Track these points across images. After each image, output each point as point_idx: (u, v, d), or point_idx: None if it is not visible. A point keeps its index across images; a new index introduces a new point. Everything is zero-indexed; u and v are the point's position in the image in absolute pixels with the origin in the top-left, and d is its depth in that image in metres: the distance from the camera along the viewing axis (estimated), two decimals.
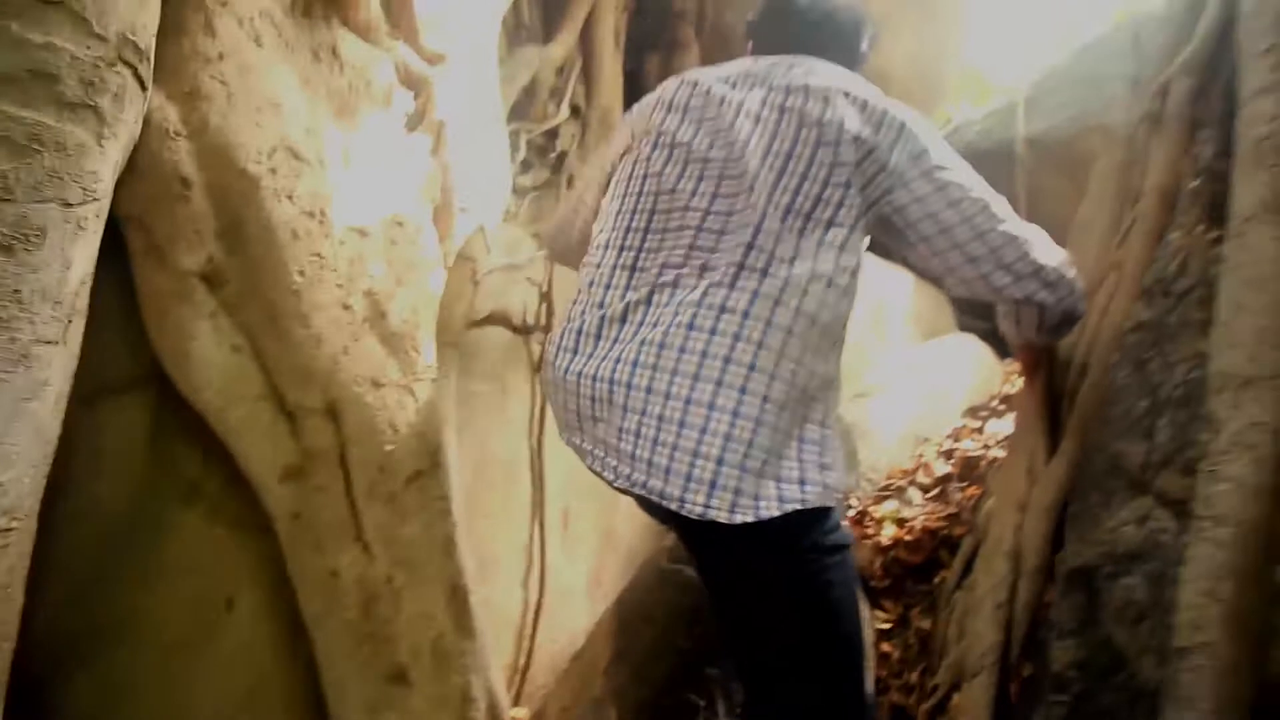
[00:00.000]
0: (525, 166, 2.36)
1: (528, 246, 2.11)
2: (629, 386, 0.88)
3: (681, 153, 0.97)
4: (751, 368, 0.85)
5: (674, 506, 0.85)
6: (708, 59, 3.24)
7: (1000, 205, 1.06)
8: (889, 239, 1.04)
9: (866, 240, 1.01)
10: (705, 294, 0.88)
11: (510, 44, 2.38)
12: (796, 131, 0.92)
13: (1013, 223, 1.05)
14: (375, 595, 1.13)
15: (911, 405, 2.44)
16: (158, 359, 0.98)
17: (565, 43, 2.55)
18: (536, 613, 2.01)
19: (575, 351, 0.95)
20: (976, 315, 3.90)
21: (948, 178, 1.01)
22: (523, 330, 2.04)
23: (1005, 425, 2.14)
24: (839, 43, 1.12)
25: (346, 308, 1.08)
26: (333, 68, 1.16)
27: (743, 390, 0.84)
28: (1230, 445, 0.81)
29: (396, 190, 1.23)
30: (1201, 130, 1.28)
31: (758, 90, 0.99)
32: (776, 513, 0.82)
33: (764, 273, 0.88)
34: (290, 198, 1.01)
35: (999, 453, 1.95)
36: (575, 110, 2.66)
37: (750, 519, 0.82)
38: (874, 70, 3.52)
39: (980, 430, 2.22)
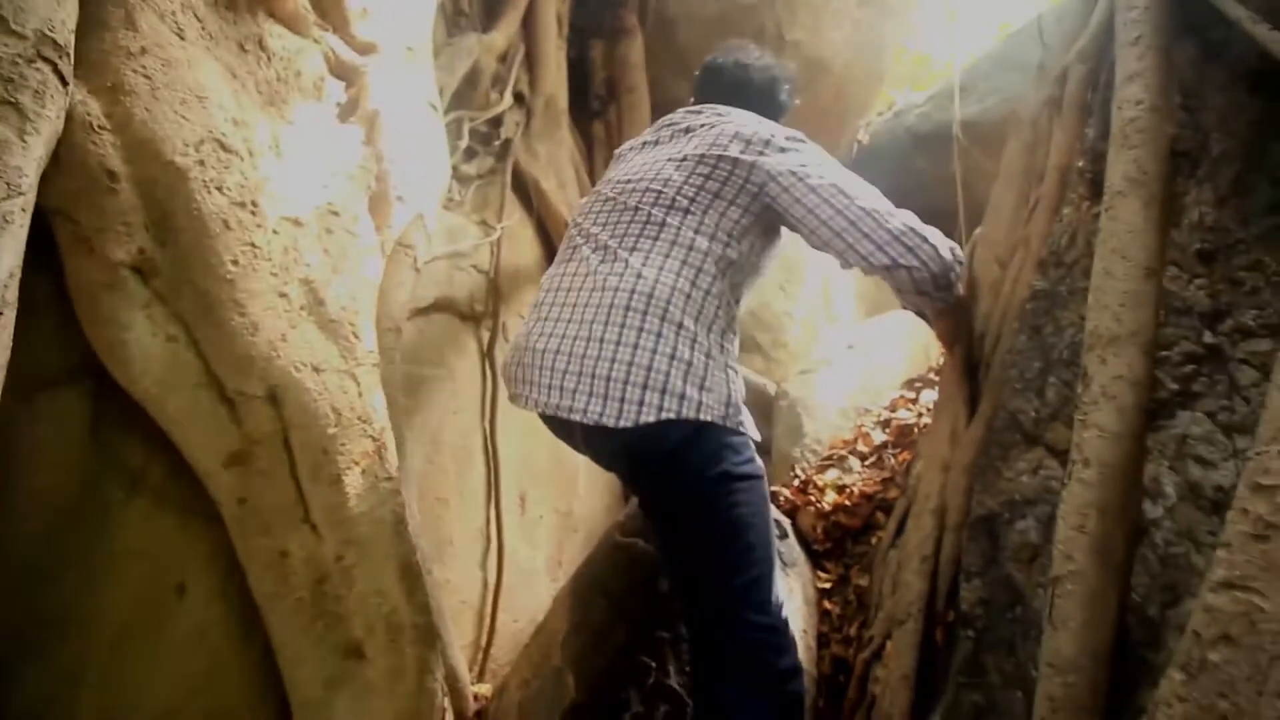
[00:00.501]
0: (469, 155, 2.38)
1: (473, 234, 2.13)
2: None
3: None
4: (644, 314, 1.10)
5: (577, 417, 1.08)
6: (651, 46, 3.28)
7: (860, 189, 1.23)
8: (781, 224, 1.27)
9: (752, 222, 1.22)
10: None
11: (449, 31, 2.38)
12: (690, 138, 1.24)
13: (872, 201, 1.21)
14: (326, 574, 1.16)
15: (853, 379, 2.55)
16: (93, 350, 0.99)
17: (507, 30, 2.56)
18: (496, 593, 2.06)
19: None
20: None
21: (809, 172, 1.19)
22: (470, 317, 2.07)
23: (935, 395, 2.27)
24: (756, 95, 1.43)
25: (283, 295, 1.10)
26: (260, 59, 1.17)
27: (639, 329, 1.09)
28: (1097, 396, 0.91)
29: (330, 180, 1.25)
30: (1092, 114, 1.39)
31: (666, 130, 1.32)
32: (653, 419, 1.03)
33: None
34: (220, 189, 1.03)
35: (930, 420, 2.07)
36: (519, 98, 2.67)
37: (629, 424, 1.03)
38: (813, 58, 3.59)
39: (915, 400, 2.35)
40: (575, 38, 3.05)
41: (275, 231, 1.12)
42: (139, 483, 1.12)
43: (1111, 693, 0.81)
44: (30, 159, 0.82)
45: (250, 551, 1.13)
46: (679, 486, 1.11)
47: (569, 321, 1.13)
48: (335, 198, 1.25)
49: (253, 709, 1.23)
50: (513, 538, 2.19)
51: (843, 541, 1.93)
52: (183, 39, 1.02)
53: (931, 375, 2.57)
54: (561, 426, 1.23)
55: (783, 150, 1.21)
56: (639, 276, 1.11)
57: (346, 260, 1.24)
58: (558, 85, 2.86)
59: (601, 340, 1.08)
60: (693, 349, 1.09)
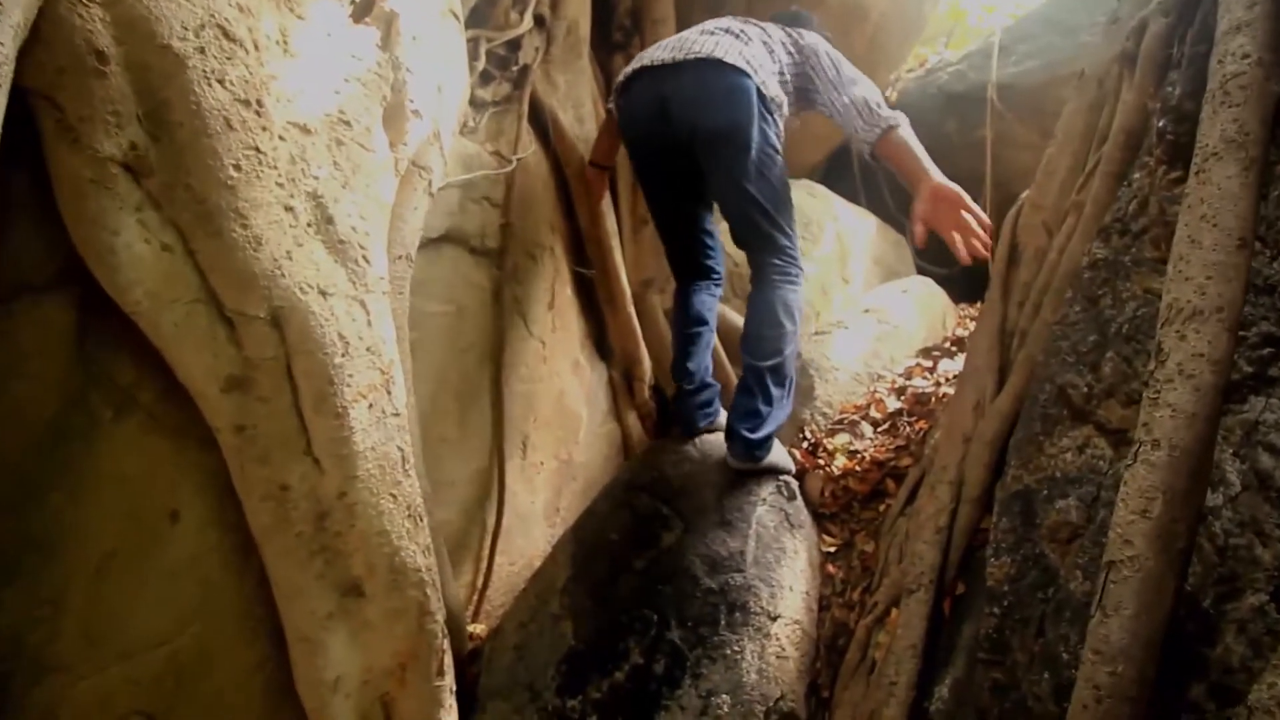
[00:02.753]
0: (485, 79, 2.22)
1: (486, 163, 2.01)
2: None
3: None
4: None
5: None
6: None
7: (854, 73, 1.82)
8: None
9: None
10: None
11: None
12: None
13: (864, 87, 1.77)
14: (327, 510, 1.10)
15: (867, 344, 2.48)
16: (79, 255, 0.90)
17: None
18: (495, 535, 2.03)
19: None
20: (933, 260, 3.95)
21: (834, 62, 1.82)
22: (480, 252, 1.97)
23: (956, 364, 2.20)
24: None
25: (289, 209, 1.00)
26: None
27: None
28: (1173, 374, 0.84)
29: (342, 85, 1.13)
30: (1172, 71, 1.28)
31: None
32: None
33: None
34: (223, 82, 0.91)
35: (949, 390, 2.01)
36: (539, 21, 2.49)
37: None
38: (852, 2, 3.39)
39: (932, 369, 2.29)
40: None
41: (282, 137, 1.01)
42: (130, 402, 1.04)
43: (1157, 684, 0.77)
44: (4, 25, 0.71)
45: (248, 482, 1.06)
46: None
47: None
48: (347, 105, 1.13)
49: (247, 641, 1.18)
50: (513, 481, 2.14)
51: (850, 506, 1.90)
52: None
53: (949, 346, 2.50)
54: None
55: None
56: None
57: (358, 176, 1.13)
58: (581, 10, 2.67)
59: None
60: None
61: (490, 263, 1.96)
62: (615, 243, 2.70)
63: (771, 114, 1.72)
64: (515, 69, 2.36)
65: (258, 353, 0.99)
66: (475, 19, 2.20)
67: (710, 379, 2.00)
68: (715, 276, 2.12)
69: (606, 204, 2.61)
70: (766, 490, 1.78)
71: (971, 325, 2.81)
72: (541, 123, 2.46)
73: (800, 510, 1.81)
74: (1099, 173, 1.45)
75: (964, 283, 3.67)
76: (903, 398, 2.12)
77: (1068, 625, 0.92)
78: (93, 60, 0.82)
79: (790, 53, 1.85)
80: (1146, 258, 1.10)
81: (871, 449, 1.98)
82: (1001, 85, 3.71)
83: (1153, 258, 1.09)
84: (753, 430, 1.77)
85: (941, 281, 3.57)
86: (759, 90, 1.67)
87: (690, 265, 2.08)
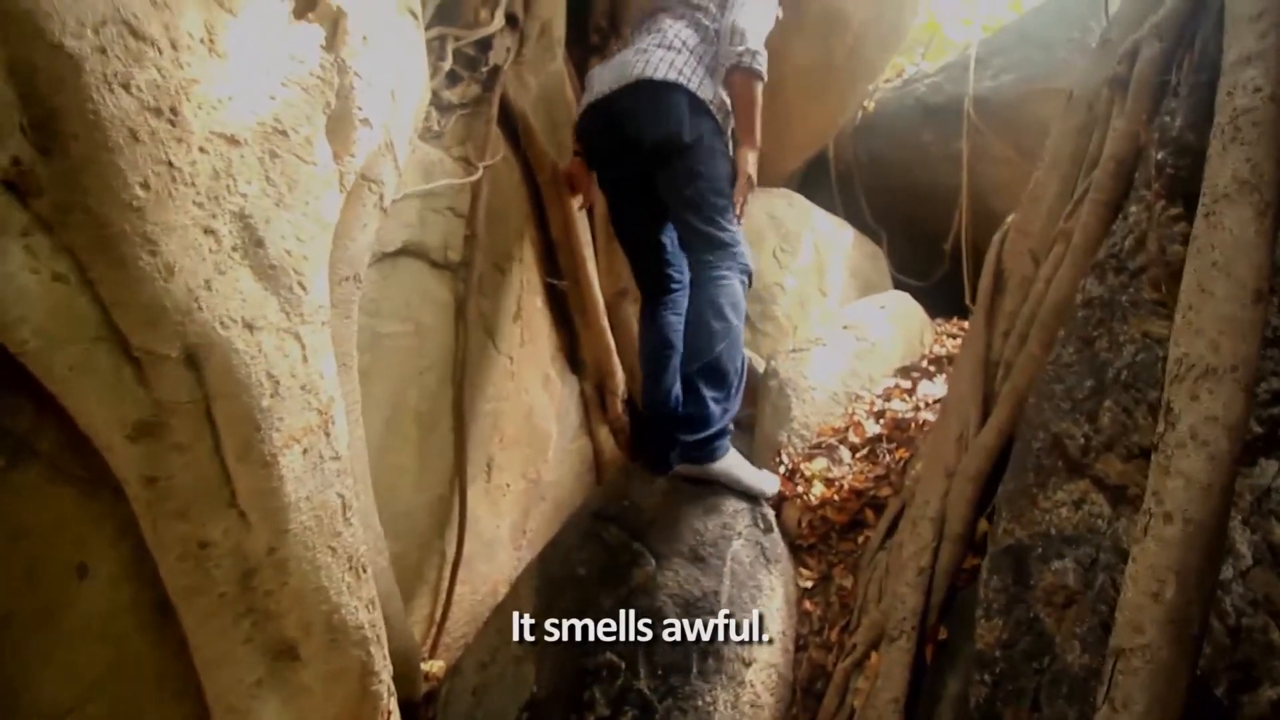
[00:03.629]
0: (452, 79, 2.10)
1: (451, 171, 1.88)
2: None
3: None
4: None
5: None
6: None
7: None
8: None
9: None
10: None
11: None
12: None
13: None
14: (255, 567, 0.98)
15: (845, 362, 2.41)
16: None
17: None
18: (455, 565, 1.91)
19: None
20: (909, 273, 3.92)
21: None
22: (442, 266, 1.84)
23: (936, 387, 2.15)
24: None
25: (209, 232, 0.88)
26: None
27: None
28: (1185, 439, 0.77)
29: (279, 90, 1.00)
30: (1169, 100, 1.22)
31: None
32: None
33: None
34: (127, 87, 0.79)
35: (929, 415, 1.95)
36: (511, 20, 2.37)
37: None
38: (832, 9, 3.31)
39: (911, 391, 2.22)
40: None
41: (203, 150, 0.89)
42: (26, 452, 0.91)
43: None
44: None
45: (163, 539, 0.93)
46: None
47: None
48: (284, 113, 1.01)
49: (165, 709, 1.06)
50: (476, 506, 2.02)
51: (828, 537, 1.83)
52: None
53: (927, 365, 2.45)
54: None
55: None
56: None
57: (295, 192, 1.00)
58: (555, 10, 2.55)
59: None
60: None
61: (453, 276, 1.84)
62: (588, 252, 2.59)
63: (705, 113, 1.80)
64: (485, 70, 2.23)
65: (171, 395, 0.87)
66: (442, 16, 2.07)
67: (685, 393, 1.91)
68: (676, 286, 2.04)
69: (580, 212, 2.51)
70: (743, 523, 1.70)
71: (949, 342, 2.77)
72: (512, 126, 2.35)
73: (777, 543, 1.73)
74: (1089, 201, 1.39)
75: (939, 295, 3.64)
76: (881, 422, 2.05)
77: (1065, 702, 0.85)
78: None
79: (725, 18, 1.89)
80: (1145, 299, 1.04)
81: (850, 476, 1.91)
82: (978, 98, 3.68)
83: (1152, 299, 1.03)
84: (691, 432, 1.73)
85: (917, 294, 3.53)
86: (691, 96, 1.78)
87: (653, 278, 2.03)
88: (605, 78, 1.88)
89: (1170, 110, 1.17)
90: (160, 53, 0.84)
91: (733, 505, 1.73)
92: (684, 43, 1.91)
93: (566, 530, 1.83)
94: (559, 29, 2.59)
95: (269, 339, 0.94)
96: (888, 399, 2.19)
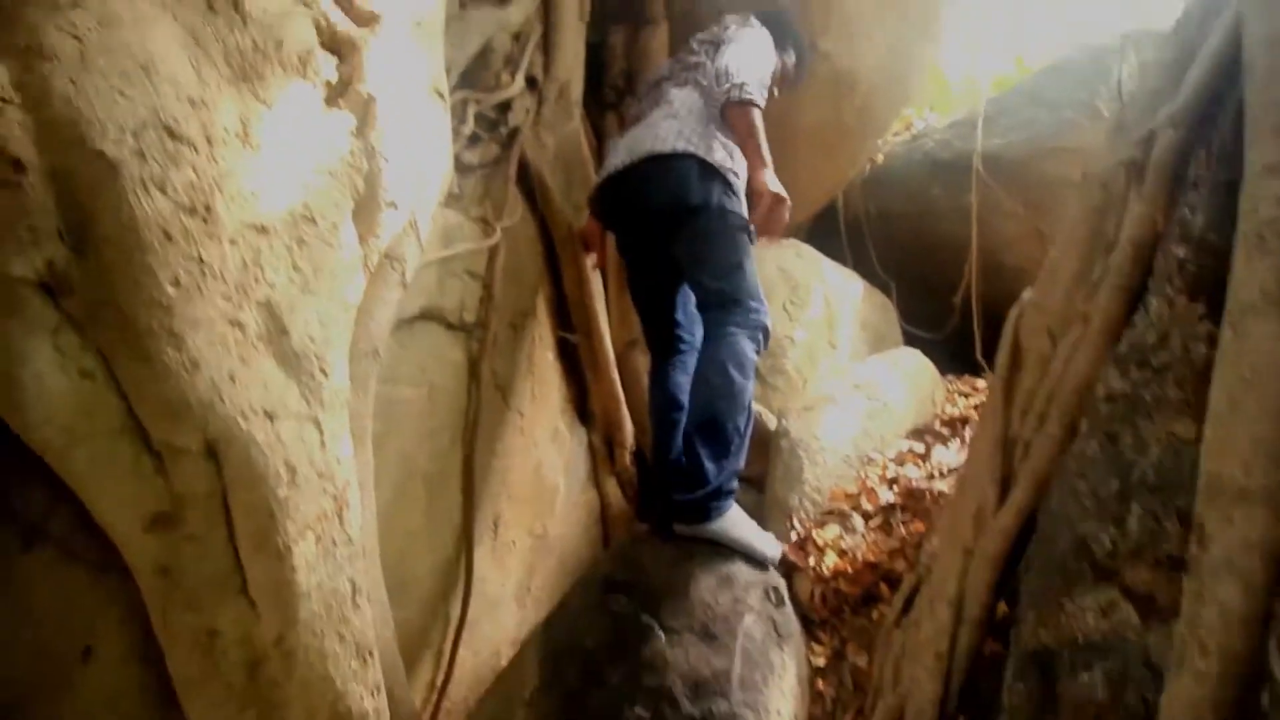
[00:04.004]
0: (472, 141, 2.14)
1: (469, 232, 1.91)
2: None
3: None
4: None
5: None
6: (675, 38, 3.04)
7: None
8: None
9: None
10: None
11: (462, 2, 2.13)
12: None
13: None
14: (262, 657, 0.96)
15: (857, 423, 2.39)
16: None
17: (525, 7, 2.31)
18: (459, 630, 1.87)
19: None
20: (920, 325, 3.92)
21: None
22: (458, 327, 1.85)
23: (950, 454, 2.12)
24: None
25: (235, 324, 0.88)
26: (233, 23, 0.93)
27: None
28: (1219, 566, 0.75)
29: (309, 178, 1.02)
30: (1188, 192, 1.22)
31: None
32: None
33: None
34: (164, 189, 0.80)
35: (944, 486, 1.92)
36: (531, 82, 2.43)
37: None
38: (843, 70, 3.37)
39: (924, 456, 2.20)
40: (596, 22, 2.80)
41: (233, 242, 0.90)
42: (38, 536, 0.90)
43: None
44: None
45: (172, 629, 0.92)
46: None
47: None
48: (314, 200, 1.02)
49: None
50: (483, 564, 2.00)
51: (840, 611, 1.78)
52: None
53: (939, 426, 2.43)
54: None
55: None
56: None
57: (320, 279, 1.01)
58: (574, 71, 2.62)
59: None
60: None
61: (468, 337, 1.84)
62: (601, 305, 2.61)
63: (715, 176, 1.84)
64: (504, 130, 2.28)
65: (188, 488, 0.86)
66: (465, 80, 2.12)
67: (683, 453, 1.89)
68: (685, 347, 2.04)
69: (594, 269, 2.53)
70: (755, 596, 1.66)
71: (961, 401, 2.75)
72: (529, 184, 2.38)
73: (789, 618, 1.69)
74: (1107, 285, 1.38)
75: (949, 349, 3.63)
76: (895, 489, 2.02)
77: None
78: (5, 170, 0.71)
79: (714, 65, 1.99)
80: (1170, 397, 1.02)
81: (863, 547, 1.87)
82: (987, 155, 3.72)
83: (1177, 398, 1.01)
84: (687, 490, 1.71)
85: (927, 347, 3.52)
86: (700, 162, 1.84)
87: (662, 339, 2.05)
88: (620, 152, 1.95)
89: (1190, 205, 1.17)
90: (196, 151, 0.85)
91: (745, 576, 1.69)
92: (689, 109, 1.96)
93: (573, 595, 1.80)
94: (577, 90, 2.65)
95: (288, 427, 0.94)
96: (901, 463, 2.17)
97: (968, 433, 2.23)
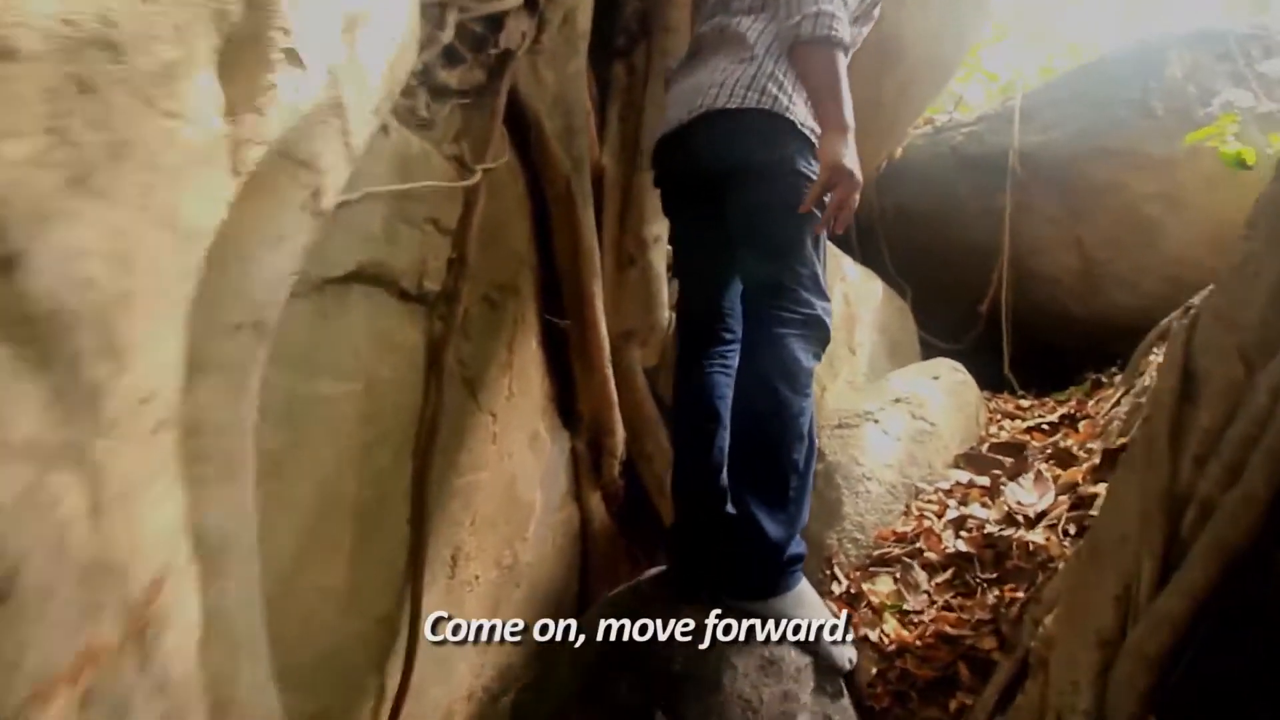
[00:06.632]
0: (450, 59, 1.60)
1: (439, 171, 1.37)
2: None
3: None
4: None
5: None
6: None
7: None
8: None
9: None
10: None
11: None
12: None
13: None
14: None
15: (902, 446, 1.94)
16: None
17: None
18: (396, 708, 1.36)
19: None
20: (937, 334, 3.52)
21: None
22: (415, 297, 1.32)
23: (1026, 494, 1.68)
24: None
25: None
26: None
27: None
28: None
29: None
30: None
31: None
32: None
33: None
34: None
35: (1038, 537, 1.48)
36: (531, 1, 1.90)
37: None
38: (889, 37, 2.83)
39: (991, 492, 1.75)
40: None
41: None
42: None
43: None
44: None
45: None
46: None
47: None
48: (123, 8, 0.50)
49: None
50: (435, 610, 1.48)
51: (906, 697, 1.33)
52: None
53: (993, 454, 2.00)
54: None
55: None
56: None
57: (121, 166, 0.49)
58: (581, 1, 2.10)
59: None
60: None
61: (429, 313, 1.31)
62: (598, 286, 2.10)
63: (791, 133, 1.35)
64: (494, 53, 1.75)
65: None
66: None
67: (729, 503, 1.39)
68: (730, 337, 1.55)
69: (593, 235, 2.02)
70: (807, 688, 1.19)
71: (1008, 424, 2.33)
72: (520, 128, 1.86)
73: (847, 712, 1.23)
74: None
75: (972, 361, 3.21)
76: (964, 534, 1.58)
77: None
78: None
79: None
80: None
81: (932, 611, 1.42)
82: (1023, 153, 3.33)
83: None
84: (740, 557, 1.24)
85: (953, 357, 3.12)
86: (770, 117, 1.35)
87: (703, 323, 1.53)
88: (680, 103, 1.48)
89: None
90: None
91: (794, 659, 1.22)
92: (765, 47, 1.44)
93: (557, 672, 1.30)
94: (584, 22, 2.12)
95: (21, 474, 0.41)
96: (963, 501, 1.72)
97: (1036, 465, 1.80)
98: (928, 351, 3.35)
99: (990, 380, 3.02)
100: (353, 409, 1.09)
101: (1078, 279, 3.25)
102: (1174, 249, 2.94)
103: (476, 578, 1.71)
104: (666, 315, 2.32)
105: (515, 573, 1.88)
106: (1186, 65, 3.04)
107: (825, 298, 1.33)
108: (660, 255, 2.27)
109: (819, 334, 1.31)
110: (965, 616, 1.36)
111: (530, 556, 1.95)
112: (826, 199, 1.27)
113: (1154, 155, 2.93)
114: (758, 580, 1.25)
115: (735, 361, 1.46)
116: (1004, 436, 2.18)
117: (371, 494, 1.18)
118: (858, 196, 1.28)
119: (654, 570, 1.45)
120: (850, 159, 1.25)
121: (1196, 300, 1.22)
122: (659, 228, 2.21)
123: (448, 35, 1.53)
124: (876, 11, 1.69)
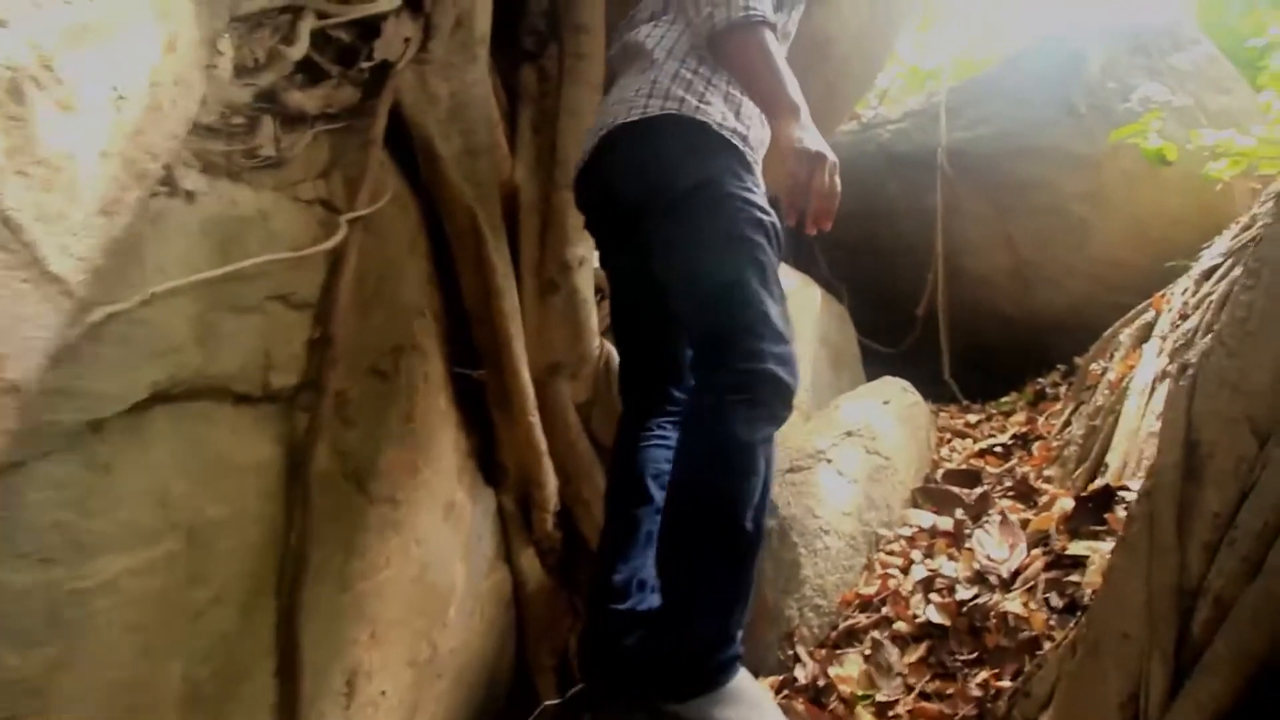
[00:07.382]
0: (311, 74, 1.28)
1: (290, 226, 1.07)
2: None
3: None
4: None
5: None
6: None
7: None
8: None
9: None
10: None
11: None
12: None
13: None
14: None
15: (858, 489, 1.77)
16: None
17: None
18: None
19: None
20: (876, 338, 3.42)
21: None
22: (261, 398, 1.01)
23: (994, 544, 1.54)
24: None
25: None
26: None
27: None
28: None
29: None
30: None
31: None
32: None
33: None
34: None
35: (1014, 606, 1.32)
36: (414, 2, 1.59)
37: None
38: (819, 32, 2.61)
39: (957, 541, 1.61)
40: None
41: None
42: None
43: None
44: None
45: None
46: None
47: None
48: None
49: None
50: None
51: None
52: None
53: (947, 484, 1.86)
54: None
55: None
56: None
57: None
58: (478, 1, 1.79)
59: None
60: None
61: (283, 411, 1.01)
62: (516, 324, 1.83)
63: (719, 144, 1.15)
64: (366, 65, 1.43)
65: None
66: None
67: (656, 599, 1.17)
68: (672, 408, 1.35)
69: (507, 269, 1.75)
70: None
71: (959, 445, 2.22)
72: (407, 152, 1.56)
73: None
74: None
75: (908, 364, 3.12)
76: (934, 598, 1.41)
77: None
78: None
79: None
80: None
81: (909, 700, 1.25)
82: (952, 150, 3.25)
83: None
84: (667, 649, 1.05)
85: (886, 363, 3.02)
86: (685, 123, 1.17)
87: (642, 388, 1.33)
88: (591, 132, 1.31)
89: None
90: None
91: None
92: (666, 50, 1.26)
93: None
94: (483, 24, 1.81)
95: None
96: (928, 552, 1.57)
97: (999, 504, 1.67)
98: (867, 356, 3.25)
99: (930, 384, 2.93)
100: (165, 578, 0.79)
101: (1009, 278, 3.20)
102: (1098, 249, 2.93)
103: (383, 693, 1.44)
104: (596, 343, 2.07)
105: (435, 665, 1.61)
106: (1103, 60, 3.01)
107: (781, 339, 1.07)
108: (587, 278, 2.01)
109: (770, 393, 1.05)
110: (947, 710, 1.19)
111: (454, 642, 1.68)
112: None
113: (1078, 153, 2.89)
114: (688, 679, 1.03)
115: (675, 433, 1.24)
116: (956, 460, 2.06)
117: (208, 671, 0.88)
118: (838, 178, 1.07)
119: (571, 692, 1.22)
120: (812, 139, 1.04)
121: (1180, 291, 1.07)
122: (583, 249, 1.95)
123: (299, 50, 1.21)
124: (794, 24, 1.51)
